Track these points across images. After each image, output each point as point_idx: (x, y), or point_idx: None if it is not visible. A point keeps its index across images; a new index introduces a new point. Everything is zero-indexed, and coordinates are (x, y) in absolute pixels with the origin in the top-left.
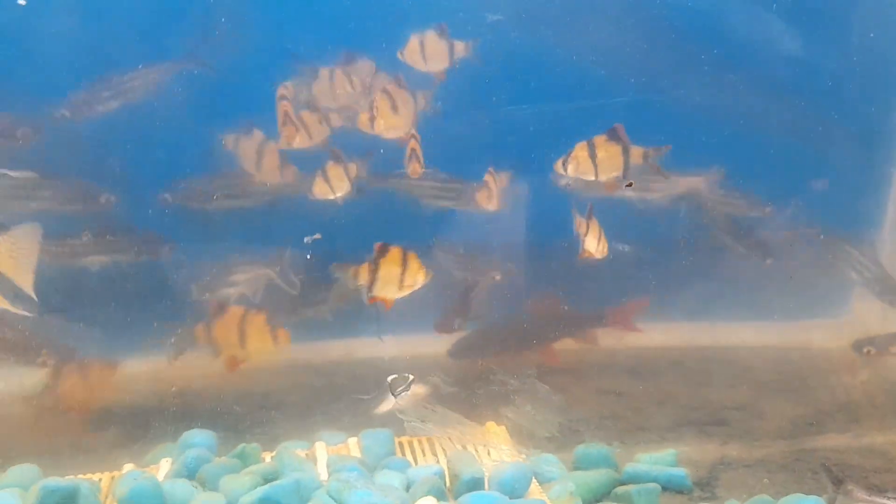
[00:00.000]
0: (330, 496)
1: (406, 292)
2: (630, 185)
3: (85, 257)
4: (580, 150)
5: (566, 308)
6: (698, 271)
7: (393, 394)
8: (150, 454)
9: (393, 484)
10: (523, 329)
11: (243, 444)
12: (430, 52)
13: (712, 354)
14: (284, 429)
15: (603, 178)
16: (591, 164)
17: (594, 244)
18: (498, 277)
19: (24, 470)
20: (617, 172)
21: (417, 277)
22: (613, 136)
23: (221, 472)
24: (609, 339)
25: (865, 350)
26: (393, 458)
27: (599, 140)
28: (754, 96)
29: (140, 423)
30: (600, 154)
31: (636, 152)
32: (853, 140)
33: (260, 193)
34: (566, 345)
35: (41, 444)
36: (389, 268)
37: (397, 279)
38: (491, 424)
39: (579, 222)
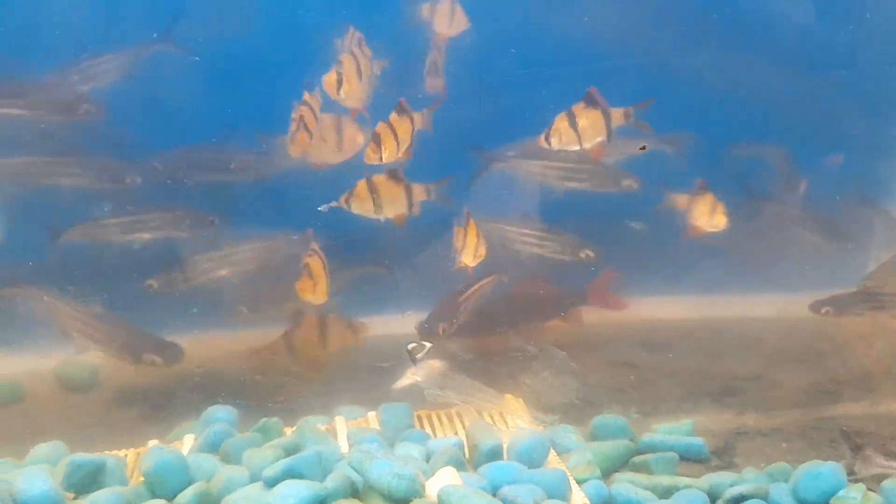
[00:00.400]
0: (351, 467)
1: (476, 262)
2: (643, 148)
3: (128, 234)
4: (560, 121)
5: (546, 288)
6: (709, 244)
7: (412, 360)
8: (174, 430)
9: (412, 455)
10: (503, 310)
11: (265, 419)
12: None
13: (724, 326)
14: (304, 404)
15: (587, 145)
16: (573, 134)
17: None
18: (590, 255)
19: (51, 447)
20: (601, 137)
21: (483, 250)
22: (591, 101)
23: (244, 446)
24: (591, 316)
25: (823, 311)
26: (412, 431)
27: (578, 108)
28: (768, 67)
29: (162, 400)
30: (581, 122)
31: (617, 114)
32: (868, 111)
33: (252, 168)
34: (554, 324)
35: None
36: (471, 236)
37: (474, 248)
38: (509, 397)
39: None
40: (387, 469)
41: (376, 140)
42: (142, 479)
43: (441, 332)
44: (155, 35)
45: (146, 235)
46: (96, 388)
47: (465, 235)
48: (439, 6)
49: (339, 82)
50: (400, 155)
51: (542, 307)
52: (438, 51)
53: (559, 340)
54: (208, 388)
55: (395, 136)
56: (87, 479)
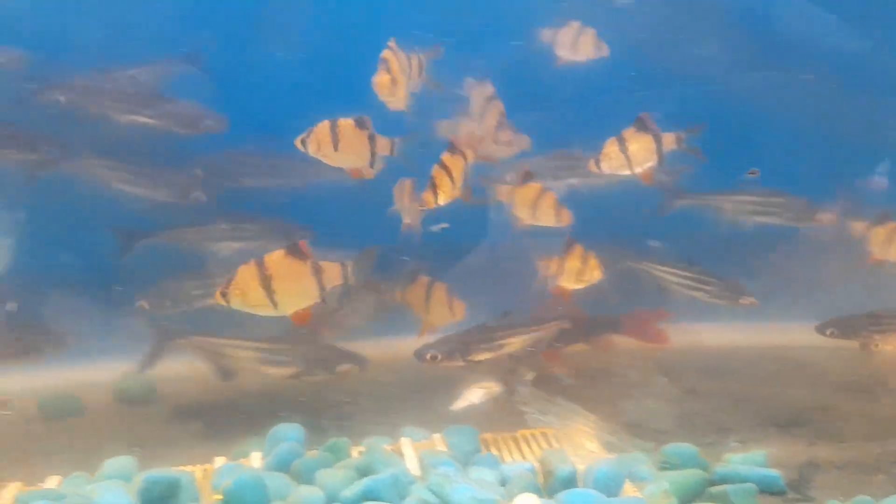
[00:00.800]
0: (430, 490)
1: (581, 285)
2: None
3: (218, 242)
4: (611, 146)
5: (577, 312)
6: (770, 271)
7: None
8: (237, 447)
9: (487, 479)
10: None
11: (334, 439)
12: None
13: (785, 354)
14: (362, 424)
15: (637, 170)
16: (623, 159)
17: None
18: (753, 302)
19: (120, 462)
20: (652, 163)
21: (594, 274)
22: (642, 126)
23: (315, 465)
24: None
25: (829, 332)
26: (482, 455)
27: (629, 133)
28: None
29: (218, 417)
30: (632, 147)
31: (668, 139)
32: None
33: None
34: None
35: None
36: (573, 261)
37: (576, 273)
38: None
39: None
40: (467, 494)
41: (431, 183)
42: (216, 496)
43: (429, 359)
44: (137, 62)
45: (235, 245)
46: (155, 402)
47: (564, 262)
48: (562, 30)
49: (394, 82)
50: (457, 194)
51: (568, 331)
52: (496, 97)
53: (615, 365)
54: (265, 404)
55: (451, 176)
56: (163, 496)
